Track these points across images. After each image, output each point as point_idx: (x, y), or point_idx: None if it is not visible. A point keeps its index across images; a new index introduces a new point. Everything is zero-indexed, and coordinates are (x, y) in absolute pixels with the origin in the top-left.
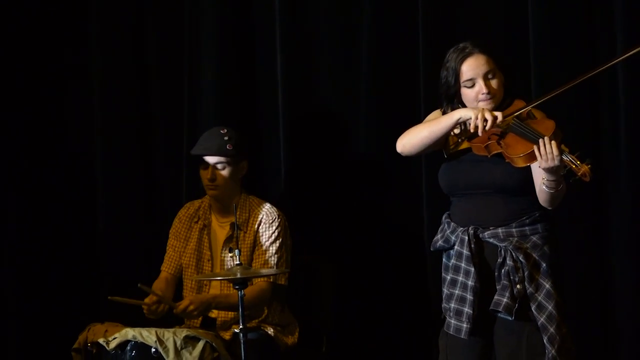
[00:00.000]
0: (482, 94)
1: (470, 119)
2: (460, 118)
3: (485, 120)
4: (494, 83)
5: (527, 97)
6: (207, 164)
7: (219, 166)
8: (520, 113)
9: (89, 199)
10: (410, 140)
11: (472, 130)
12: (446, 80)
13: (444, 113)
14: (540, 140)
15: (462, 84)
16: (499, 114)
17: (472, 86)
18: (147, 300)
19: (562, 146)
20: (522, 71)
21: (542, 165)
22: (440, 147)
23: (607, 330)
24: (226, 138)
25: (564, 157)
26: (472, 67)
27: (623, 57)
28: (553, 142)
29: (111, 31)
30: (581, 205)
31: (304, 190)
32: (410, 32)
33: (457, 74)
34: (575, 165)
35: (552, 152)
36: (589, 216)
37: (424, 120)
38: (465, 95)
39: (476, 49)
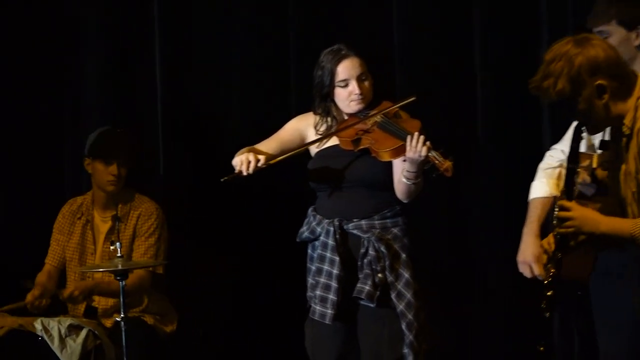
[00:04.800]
0: (355, 94)
1: (237, 164)
2: (233, 163)
3: (249, 162)
4: (366, 84)
5: (392, 99)
6: (111, 162)
7: (124, 163)
8: (388, 112)
9: None
10: None
11: (237, 172)
12: (321, 79)
13: (315, 112)
14: (411, 136)
15: (336, 84)
16: (261, 158)
17: (346, 86)
18: (29, 298)
19: (428, 143)
20: (387, 74)
21: (409, 156)
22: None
23: (468, 315)
24: (125, 137)
25: (430, 153)
26: (347, 69)
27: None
28: (422, 137)
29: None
30: (442, 199)
31: (180, 185)
32: (280, 38)
33: (332, 74)
34: (439, 161)
35: (421, 147)
36: (448, 210)
37: (283, 127)
38: (338, 95)
39: (351, 52)
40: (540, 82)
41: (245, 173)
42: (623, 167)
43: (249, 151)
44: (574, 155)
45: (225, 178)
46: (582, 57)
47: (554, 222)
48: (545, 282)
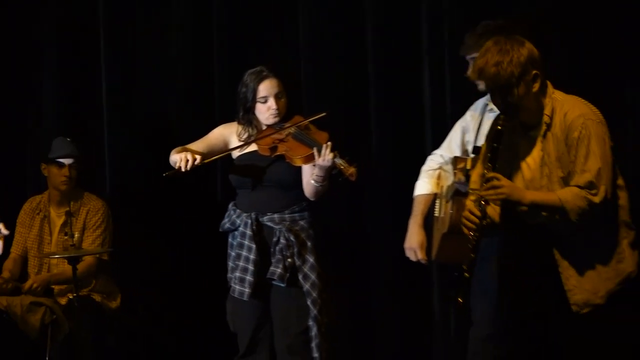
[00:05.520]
0: (272, 109)
1: (176, 161)
2: (172, 160)
3: (187, 160)
4: (282, 101)
5: (302, 114)
6: (63, 165)
7: (74, 166)
8: (300, 124)
9: None
10: None
11: (177, 168)
12: (245, 95)
13: (238, 122)
14: (322, 146)
15: (257, 100)
16: (197, 157)
17: (265, 102)
18: None
19: (335, 151)
20: (296, 93)
21: (319, 163)
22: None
23: (364, 293)
24: (75, 143)
25: (337, 160)
26: (267, 88)
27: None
28: (330, 147)
29: None
30: (342, 197)
31: (123, 184)
32: (207, 59)
33: (254, 91)
34: (344, 167)
35: (328, 155)
36: (347, 206)
37: (211, 132)
38: (259, 109)
39: (271, 73)
40: (487, 68)
41: (184, 169)
42: (533, 156)
43: (183, 150)
44: (498, 136)
45: (167, 174)
46: (526, 49)
47: (484, 190)
48: (471, 246)
